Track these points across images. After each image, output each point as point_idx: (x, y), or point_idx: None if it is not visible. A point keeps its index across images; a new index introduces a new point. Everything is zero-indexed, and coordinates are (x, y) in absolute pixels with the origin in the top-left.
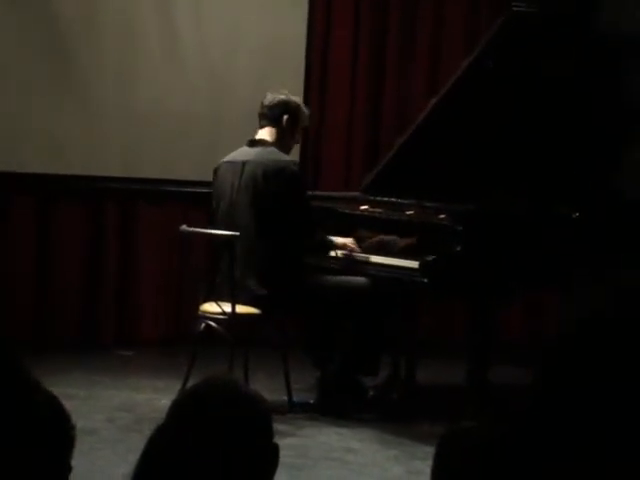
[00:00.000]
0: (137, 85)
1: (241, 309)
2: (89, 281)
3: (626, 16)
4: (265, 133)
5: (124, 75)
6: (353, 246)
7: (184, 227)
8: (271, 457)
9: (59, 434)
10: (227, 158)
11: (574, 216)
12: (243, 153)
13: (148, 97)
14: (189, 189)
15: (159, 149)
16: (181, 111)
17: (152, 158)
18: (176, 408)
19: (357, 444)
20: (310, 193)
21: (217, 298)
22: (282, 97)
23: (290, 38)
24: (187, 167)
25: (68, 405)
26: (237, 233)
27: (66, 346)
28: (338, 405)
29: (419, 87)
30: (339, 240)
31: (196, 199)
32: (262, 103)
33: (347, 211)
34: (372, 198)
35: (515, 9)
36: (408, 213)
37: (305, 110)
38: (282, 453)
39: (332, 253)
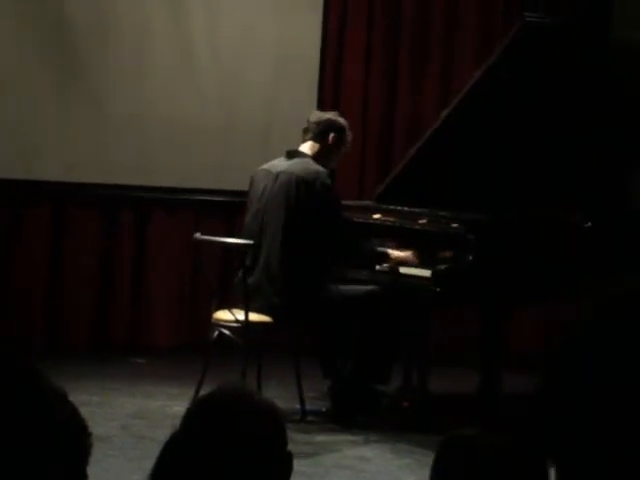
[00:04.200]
0: (151, 94)
1: (254, 317)
2: (103, 288)
3: (638, 26)
4: (306, 147)
5: (138, 84)
6: (413, 259)
7: (198, 235)
8: (285, 465)
9: (76, 442)
10: (264, 166)
11: (586, 225)
12: (279, 164)
13: (162, 106)
14: (203, 197)
15: (173, 158)
16: (195, 120)
17: (166, 167)
18: (190, 416)
19: (370, 452)
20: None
21: (232, 305)
22: (330, 116)
23: (303, 50)
24: (201, 176)
25: (82, 412)
26: (251, 242)
27: (80, 353)
28: (351, 413)
29: (432, 98)
30: (398, 254)
31: (210, 207)
32: (308, 119)
33: (360, 220)
34: (385, 207)
35: (527, 19)
36: (420, 222)
37: (350, 133)
38: (295, 461)
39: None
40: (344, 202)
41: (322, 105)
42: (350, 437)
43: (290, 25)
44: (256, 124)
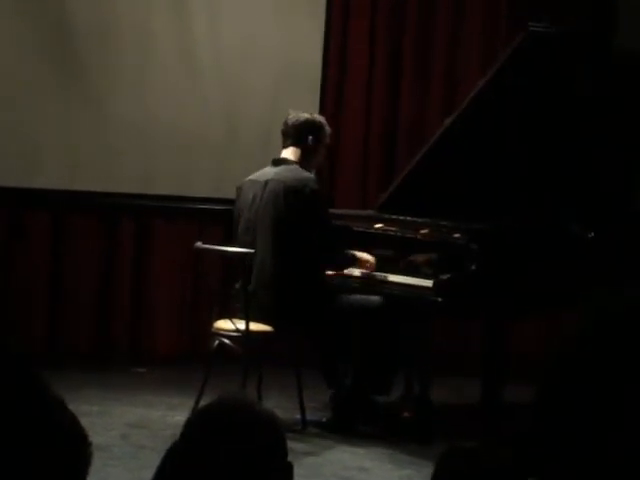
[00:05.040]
0: (153, 101)
1: (255, 326)
2: (104, 297)
3: None
4: (289, 153)
5: (140, 91)
6: (372, 265)
7: (199, 244)
8: (285, 475)
9: (76, 452)
10: (251, 177)
11: (589, 236)
12: (266, 172)
13: (164, 114)
14: (204, 206)
15: (174, 166)
16: (197, 128)
17: (167, 175)
18: (190, 426)
19: (370, 463)
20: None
21: (231, 315)
22: (306, 116)
23: (306, 54)
24: (202, 184)
25: (82, 421)
26: (252, 250)
27: (80, 363)
28: (351, 424)
29: (435, 107)
30: (362, 255)
31: (211, 216)
32: (285, 122)
33: (362, 229)
34: (387, 216)
35: (532, 28)
36: (423, 232)
37: (328, 128)
38: (295, 472)
39: (354, 271)
40: (346, 211)
41: (324, 109)
42: (350, 447)
43: (292, 29)
44: (258, 130)
